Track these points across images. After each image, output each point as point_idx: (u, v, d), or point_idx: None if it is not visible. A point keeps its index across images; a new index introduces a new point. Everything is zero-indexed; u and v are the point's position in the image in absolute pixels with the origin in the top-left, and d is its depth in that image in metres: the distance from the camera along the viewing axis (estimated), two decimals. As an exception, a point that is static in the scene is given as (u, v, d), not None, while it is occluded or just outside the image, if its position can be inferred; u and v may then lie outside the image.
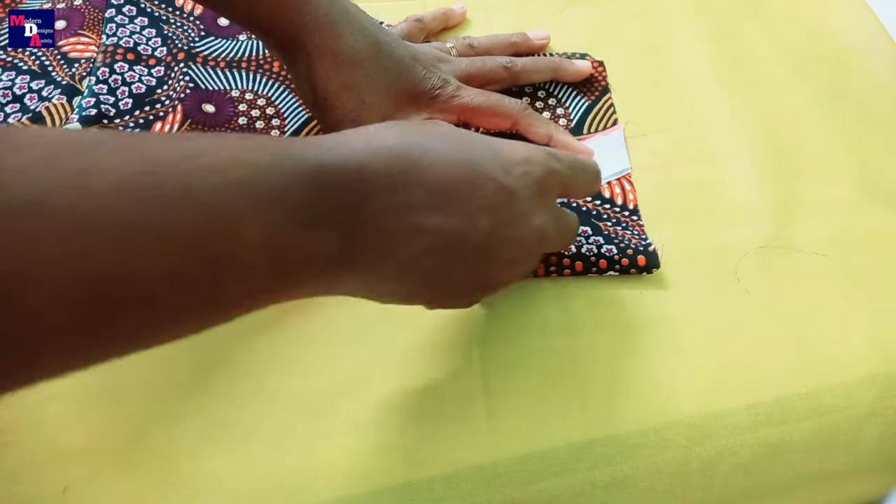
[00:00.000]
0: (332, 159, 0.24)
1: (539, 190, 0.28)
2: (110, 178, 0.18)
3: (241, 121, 0.41)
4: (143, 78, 0.42)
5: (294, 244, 0.22)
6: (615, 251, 0.36)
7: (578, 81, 0.44)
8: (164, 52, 0.43)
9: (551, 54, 0.45)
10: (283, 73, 0.44)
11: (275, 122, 0.42)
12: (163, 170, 0.20)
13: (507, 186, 0.27)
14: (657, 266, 0.36)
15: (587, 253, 0.36)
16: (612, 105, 0.44)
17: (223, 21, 0.46)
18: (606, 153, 0.41)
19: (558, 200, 0.34)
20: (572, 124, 0.43)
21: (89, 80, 0.41)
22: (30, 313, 0.17)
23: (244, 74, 0.43)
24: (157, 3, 0.46)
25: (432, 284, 0.27)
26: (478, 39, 0.44)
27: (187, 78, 0.42)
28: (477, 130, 0.42)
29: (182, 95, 0.42)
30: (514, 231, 0.28)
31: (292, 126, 0.42)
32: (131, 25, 0.44)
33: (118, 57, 0.42)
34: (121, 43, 0.42)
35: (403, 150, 0.25)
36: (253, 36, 0.45)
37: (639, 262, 0.36)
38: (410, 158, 0.25)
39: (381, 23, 0.47)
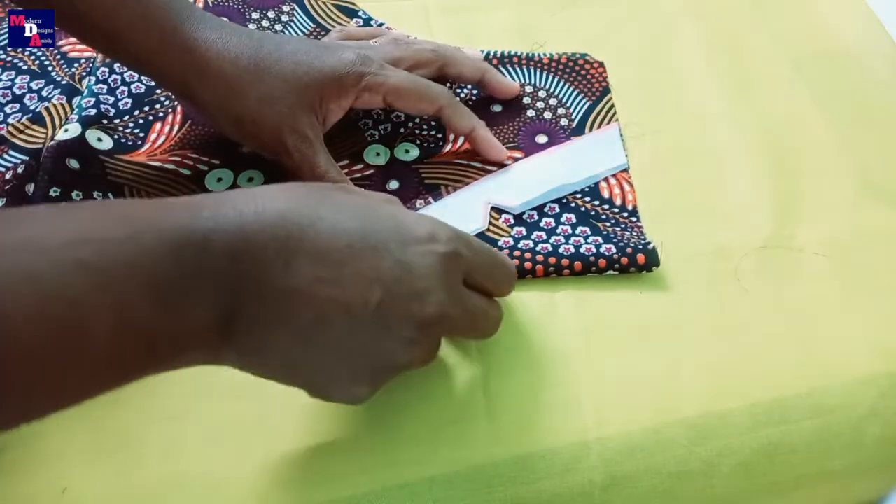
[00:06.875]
0: (205, 226, 0.23)
1: (441, 270, 0.27)
2: None
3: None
4: (142, 78, 0.42)
5: (155, 318, 0.22)
6: (614, 250, 0.36)
7: (577, 82, 0.44)
8: (164, 53, 0.43)
9: (551, 54, 0.45)
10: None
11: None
12: (5, 253, 0.20)
13: (404, 261, 0.26)
14: (657, 264, 0.36)
15: (586, 252, 0.36)
16: (612, 106, 0.44)
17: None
18: (601, 149, 0.41)
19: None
20: (573, 124, 0.43)
21: (89, 80, 0.41)
22: None
23: (244, 74, 0.43)
24: (157, 3, 0.46)
25: (320, 361, 0.26)
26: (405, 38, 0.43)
27: (187, 78, 0.42)
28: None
29: (182, 95, 0.41)
30: (408, 308, 0.26)
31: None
32: (131, 25, 0.44)
33: (118, 57, 0.42)
34: (121, 43, 0.42)
35: (294, 215, 0.25)
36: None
37: (638, 261, 0.36)
38: (300, 224, 0.25)
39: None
